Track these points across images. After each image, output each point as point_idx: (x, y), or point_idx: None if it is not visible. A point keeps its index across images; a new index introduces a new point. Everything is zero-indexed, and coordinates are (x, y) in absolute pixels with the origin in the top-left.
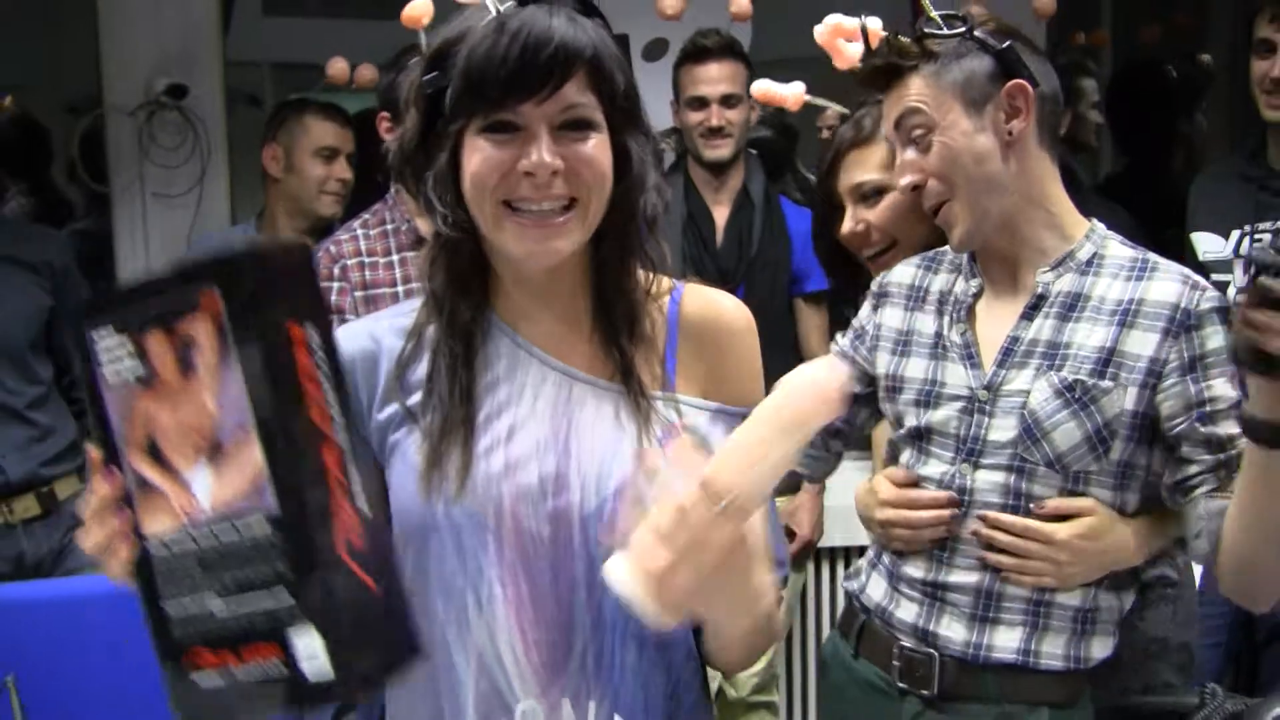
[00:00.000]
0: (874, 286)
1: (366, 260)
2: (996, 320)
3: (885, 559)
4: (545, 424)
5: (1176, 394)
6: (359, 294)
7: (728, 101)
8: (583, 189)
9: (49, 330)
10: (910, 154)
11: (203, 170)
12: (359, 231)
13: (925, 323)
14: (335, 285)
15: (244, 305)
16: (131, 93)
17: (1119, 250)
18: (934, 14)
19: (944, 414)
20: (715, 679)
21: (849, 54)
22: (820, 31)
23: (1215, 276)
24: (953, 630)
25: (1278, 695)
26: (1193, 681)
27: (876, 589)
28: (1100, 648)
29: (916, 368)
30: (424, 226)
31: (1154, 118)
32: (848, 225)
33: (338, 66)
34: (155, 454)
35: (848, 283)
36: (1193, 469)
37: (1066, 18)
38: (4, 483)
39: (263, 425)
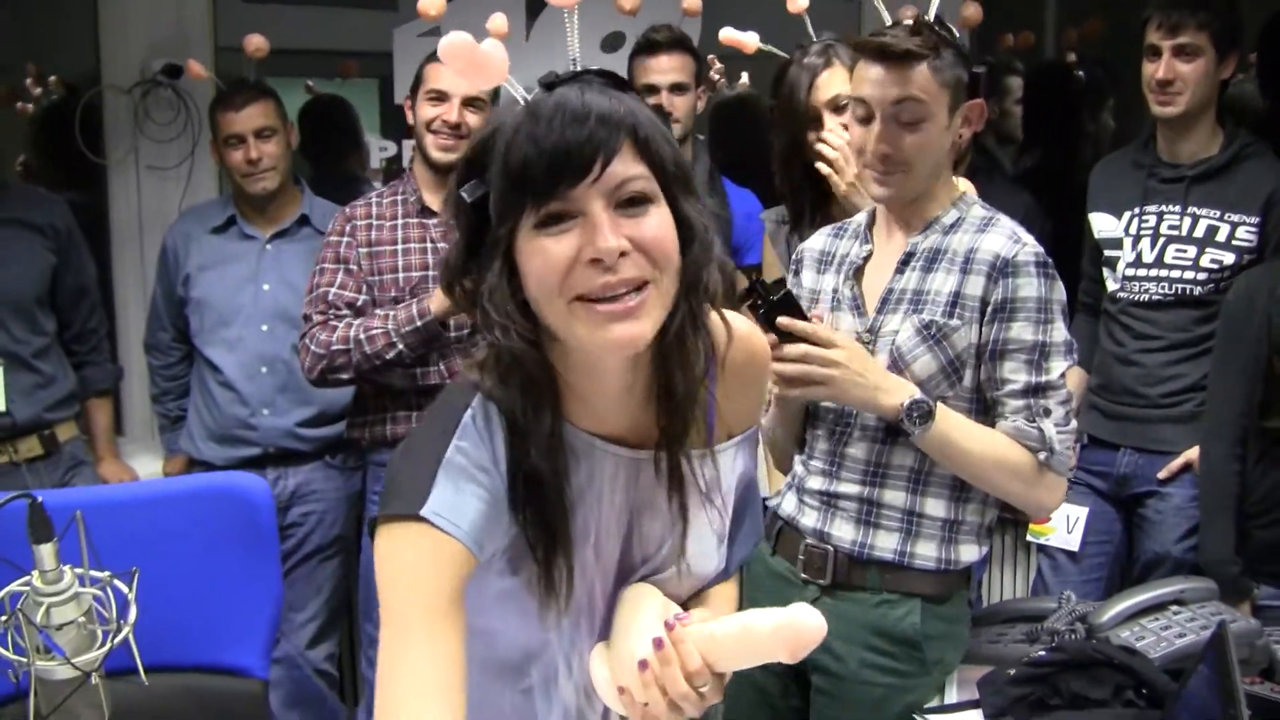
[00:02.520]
0: (794, 255)
1: (374, 222)
2: (879, 275)
3: (795, 480)
4: (619, 513)
5: (987, 329)
6: (363, 250)
7: (676, 89)
8: (651, 269)
9: (53, 286)
10: (892, 129)
11: (193, 145)
12: (373, 199)
13: (828, 281)
14: (344, 240)
15: None
16: (128, 72)
17: (977, 212)
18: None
19: None
20: None
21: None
22: None
23: (1108, 252)
24: (843, 531)
25: (1114, 598)
26: None
27: (789, 503)
28: (968, 553)
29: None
30: (434, 201)
31: (1061, 116)
32: (828, 132)
33: (254, 43)
34: None
35: (809, 205)
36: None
37: (1007, 16)
38: (11, 425)
39: None
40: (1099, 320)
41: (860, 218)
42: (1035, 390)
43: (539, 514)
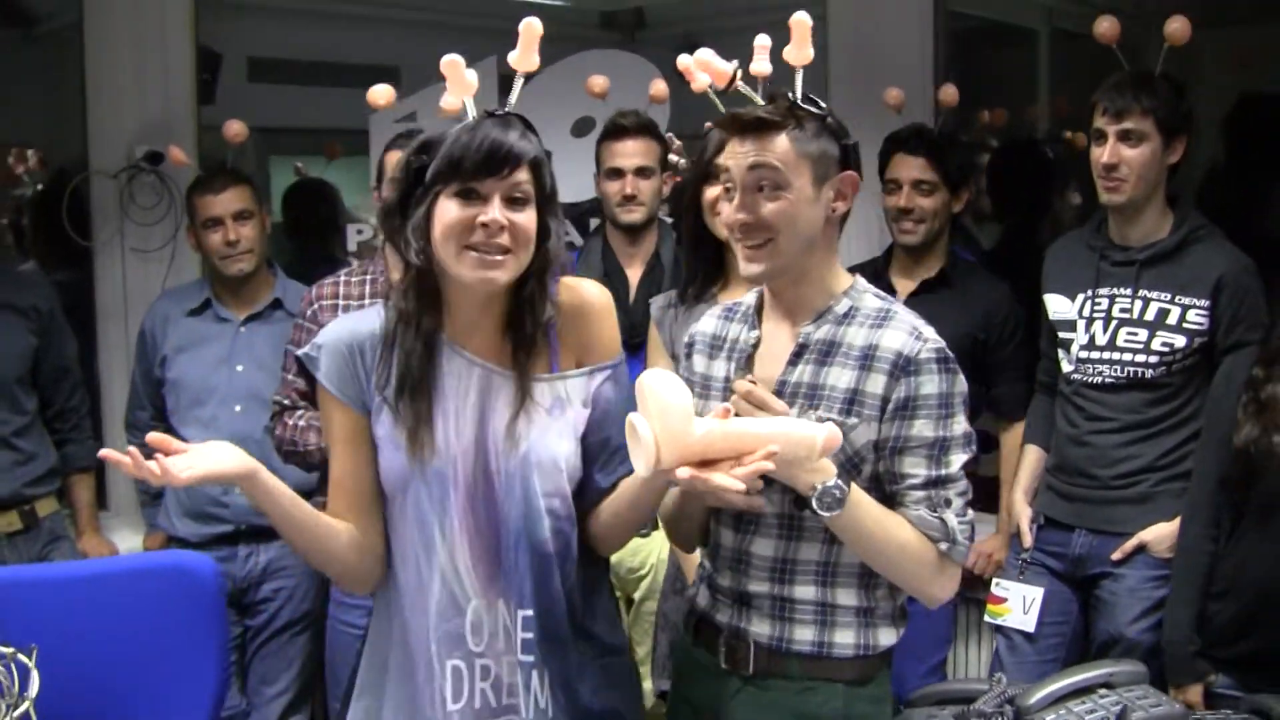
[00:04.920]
0: (685, 338)
1: (341, 304)
2: (772, 365)
3: (705, 574)
4: (475, 406)
5: (888, 426)
6: None
7: (641, 173)
8: (516, 244)
9: (35, 367)
10: (751, 197)
11: (176, 229)
12: (342, 278)
13: (718, 368)
14: (306, 325)
15: None
16: (114, 158)
17: (871, 302)
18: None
19: None
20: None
21: (700, 81)
22: (686, 60)
23: (1062, 334)
24: (760, 627)
25: (1042, 681)
26: None
27: (703, 597)
28: (886, 637)
29: (714, 409)
30: (395, 275)
31: (1027, 193)
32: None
33: (233, 129)
34: None
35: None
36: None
37: (1001, 93)
38: None
39: None
40: (1055, 400)
41: (749, 298)
42: (935, 483)
43: (408, 381)
